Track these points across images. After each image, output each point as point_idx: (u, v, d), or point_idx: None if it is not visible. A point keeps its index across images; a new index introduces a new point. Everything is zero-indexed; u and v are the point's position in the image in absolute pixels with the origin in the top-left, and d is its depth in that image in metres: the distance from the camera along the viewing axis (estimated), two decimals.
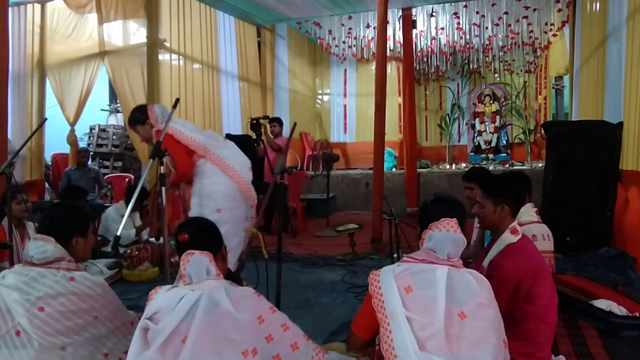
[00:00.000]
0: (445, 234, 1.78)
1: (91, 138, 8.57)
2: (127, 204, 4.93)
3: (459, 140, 9.97)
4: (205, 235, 1.83)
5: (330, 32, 8.63)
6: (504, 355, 1.73)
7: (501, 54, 9.12)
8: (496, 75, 9.78)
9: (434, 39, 8.58)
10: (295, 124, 3.35)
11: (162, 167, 2.70)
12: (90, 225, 2.16)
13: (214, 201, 3.00)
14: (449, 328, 1.60)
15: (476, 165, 7.64)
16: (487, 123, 9.41)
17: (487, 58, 9.36)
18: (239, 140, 6.45)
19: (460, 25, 8.09)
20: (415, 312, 1.63)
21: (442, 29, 8.29)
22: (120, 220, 4.88)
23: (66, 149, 6.90)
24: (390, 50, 8.44)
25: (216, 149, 3.14)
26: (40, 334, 1.80)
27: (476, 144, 9.45)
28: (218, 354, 1.53)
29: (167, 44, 6.04)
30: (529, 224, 2.93)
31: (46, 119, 4.72)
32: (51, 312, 1.83)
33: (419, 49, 8.74)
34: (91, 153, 8.08)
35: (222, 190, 3.03)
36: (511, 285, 2.09)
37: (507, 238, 2.21)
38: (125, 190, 5.18)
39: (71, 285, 1.90)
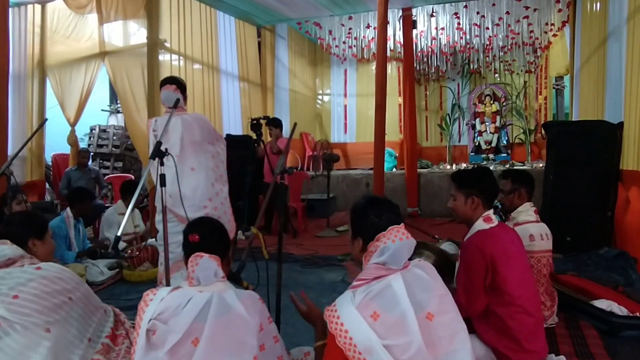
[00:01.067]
0: (400, 244, 1.63)
1: (91, 138, 8.58)
2: (124, 202, 4.93)
3: (459, 141, 9.96)
4: (215, 238, 1.79)
5: (330, 32, 8.63)
6: None
7: (501, 54, 9.12)
8: (496, 75, 9.77)
9: (434, 39, 8.58)
10: (295, 125, 3.35)
11: (162, 168, 2.71)
12: (47, 230, 2.26)
13: None
14: (426, 336, 1.54)
15: (475, 165, 7.63)
16: (487, 123, 9.40)
17: (487, 58, 9.35)
18: (240, 141, 6.49)
19: (461, 26, 8.09)
20: (391, 338, 1.51)
21: (443, 29, 8.29)
22: (117, 221, 4.90)
23: (66, 149, 6.91)
24: (390, 50, 8.43)
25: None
26: (19, 317, 1.87)
27: (476, 144, 9.45)
28: (231, 356, 1.53)
29: (168, 45, 6.04)
30: (526, 224, 2.91)
31: (46, 120, 4.72)
32: (25, 296, 1.90)
33: (419, 49, 8.73)
34: (91, 153, 8.08)
35: None
36: (480, 264, 2.13)
37: (479, 225, 2.28)
38: (120, 188, 5.15)
39: (39, 272, 1.99)
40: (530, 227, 2.89)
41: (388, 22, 6.50)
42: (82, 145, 7.52)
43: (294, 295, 2.05)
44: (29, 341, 1.86)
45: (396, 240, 1.64)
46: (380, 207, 1.73)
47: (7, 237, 2.11)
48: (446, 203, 2.51)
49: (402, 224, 1.69)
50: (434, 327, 1.57)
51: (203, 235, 1.75)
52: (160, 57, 5.89)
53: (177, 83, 3.35)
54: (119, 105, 9.18)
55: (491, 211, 2.31)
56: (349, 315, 1.55)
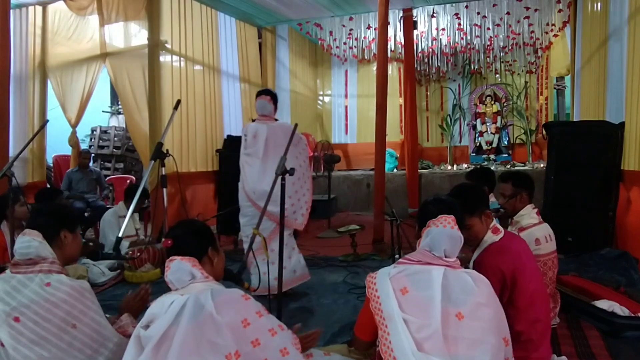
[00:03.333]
0: (442, 230, 1.78)
1: (92, 140, 8.59)
2: (126, 205, 4.94)
3: (460, 141, 9.96)
4: (188, 240, 1.80)
5: (331, 33, 8.64)
6: (504, 354, 1.71)
7: (502, 54, 9.12)
8: (497, 75, 9.77)
9: (435, 39, 8.58)
10: (296, 125, 3.36)
11: (163, 169, 2.71)
12: (79, 223, 2.13)
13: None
14: (446, 329, 1.60)
15: (478, 166, 7.64)
16: (488, 124, 9.40)
17: (488, 58, 9.36)
18: (240, 142, 6.48)
19: (461, 26, 8.09)
20: (412, 314, 1.64)
21: (443, 29, 8.30)
22: (117, 223, 4.94)
23: (68, 150, 6.91)
24: (391, 51, 8.44)
25: (249, 162, 3.75)
26: (15, 344, 1.74)
27: (477, 144, 9.44)
28: (203, 358, 1.52)
29: (168, 46, 6.03)
30: (531, 227, 2.88)
31: (48, 121, 4.73)
32: (25, 321, 1.76)
33: (419, 49, 8.73)
34: (92, 155, 8.09)
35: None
36: (495, 283, 2.07)
37: (489, 238, 2.25)
38: (125, 191, 5.18)
39: (45, 291, 1.82)
40: (535, 230, 2.86)
41: (389, 23, 6.50)
42: (83, 146, 7.53)
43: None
44: None
45: (439, 225, 1.79)
46: (440, 202, 1.93)
47: (39, 227, 1.95)
48: None
49: (453, 216, 1.82)
50: (460, 326, 1.62)
51: (176, 238, 1.78)
52: (161, 59, 5.89)
53: (272, 95, 3.83)
54: (120, 107, 9.19)
55: (495, 221, 2.29)
56: (383, 284, 1.73)
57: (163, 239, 1.82)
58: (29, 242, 1.91)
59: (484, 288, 1.75)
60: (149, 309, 1.67)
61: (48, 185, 6.79)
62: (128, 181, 7.39)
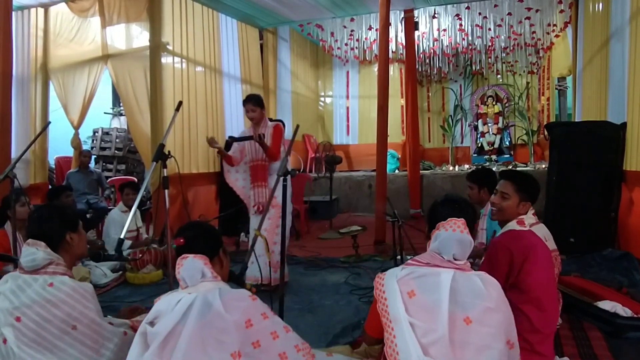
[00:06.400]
0: (451, 234, 1.76)
1: (94, 141, 8.61)
2: (123, 200, 5.00)
3: (461, 142, 9.97)
4: (201, 240, 1.81)
5: (332, 34, 8.65)
6: (508, 357, 1.68)
7: (504, 55, 9.13)
8: (499, 76, 9.77)
9: (436, 40, 8.60)
10: (297, 126, 3.38)
11: (165, 170, 2.72)
12: (79, 221, 2.12)
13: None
14: (453, 333, 1.59)
15: (479, 166, 7.64)
16: (489, 124, 9.39)
17: (489, 59, 9.37)
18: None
19: (463, 27, 8.10)
20: (418, 318, 1.62)
21: (445, 30, 8.30)
22: (121, 221, 4.95)
23: (69, 152, 6.92)
24: (392, 52, 8.44)
25: None
26: (19, 344, 1.77)
27: (479, 145, 9.44)
28: (208, 356, 1.52)
29: (170, 47, 6.04)
30: (533, 226, 2.88)
31: (50, 123, 4.74)
32: (27, 322, 1.79)
33: (421, 50, 8.74)
34: (94, 156, 8.10)
35: None
36: (503, 261, 2.16)
37: (511, 226, 2.36)
38: (118, 187, 5.23)
39: (47, 291, 1.83)
40: (537, 230, 2.86)
41: (390, 24, 6.50)
42: (85, 147, 7.53)
43: None
44: None
45: (449, 229, 1.77)
46: (450, 203, 1.92)
47: (42, 236, 1.95)
48: None
49: (464, 219, 1.81)
50: (468, 331, 1.61)
51: (188, 238, 1.79)
52: (163, 60, 5.90)
53: None
54: (121, 108, 9.20)
55: (525, 216, 2.41)
56: (390, 286, 1.72)
57: (174, 239, 1.81)
58: (34, 253, 1.92)
59: (493, 292, 1.73)
60: (155, 305, 1.68)
61: (50, 187, 6.80)
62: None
